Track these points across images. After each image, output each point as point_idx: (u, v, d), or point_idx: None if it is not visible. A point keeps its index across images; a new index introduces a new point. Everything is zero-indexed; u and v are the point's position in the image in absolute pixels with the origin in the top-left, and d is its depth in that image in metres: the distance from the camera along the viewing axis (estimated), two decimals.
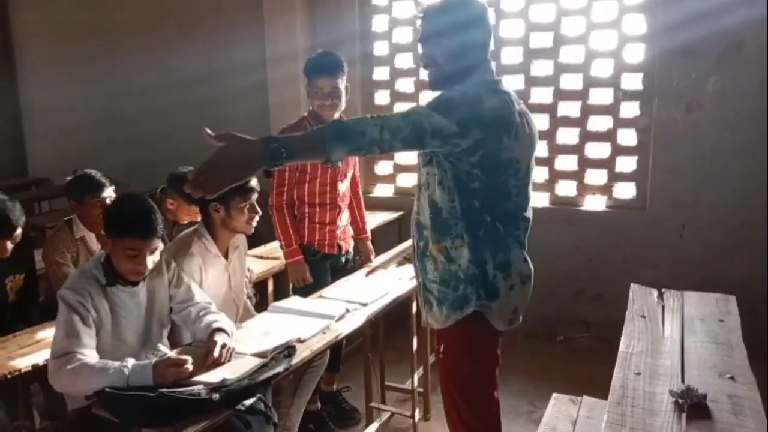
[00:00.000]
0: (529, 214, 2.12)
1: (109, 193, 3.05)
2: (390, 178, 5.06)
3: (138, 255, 2.20)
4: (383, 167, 5.08)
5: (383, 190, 5.06)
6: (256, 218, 2.71)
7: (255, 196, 2.66)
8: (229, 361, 2.15)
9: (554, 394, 2.72)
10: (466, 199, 1.97)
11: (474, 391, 2.15)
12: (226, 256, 2.75)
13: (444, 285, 2.06)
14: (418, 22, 2.12)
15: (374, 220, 4.21)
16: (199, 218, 3.16)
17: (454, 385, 2.17)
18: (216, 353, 2.13)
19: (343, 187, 3.31)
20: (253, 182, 2.60)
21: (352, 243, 3.47)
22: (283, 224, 3.17)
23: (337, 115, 3.15)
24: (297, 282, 3.20)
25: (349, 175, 3.37)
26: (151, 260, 2.25)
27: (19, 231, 2.78)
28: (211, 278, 2.68)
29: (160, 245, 2.29)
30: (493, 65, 2.09)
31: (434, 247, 2.06)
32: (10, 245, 2.79)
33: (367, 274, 3.19)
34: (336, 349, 3.06)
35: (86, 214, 3.02)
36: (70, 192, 3.07)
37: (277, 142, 1.68)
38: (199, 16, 5.45)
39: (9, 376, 2.36)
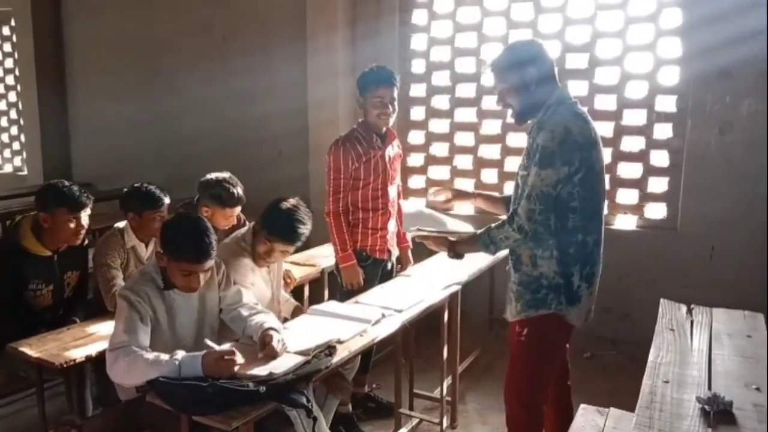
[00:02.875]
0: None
1: (165, 205, 3.17)
2: (423, 192, 5.17)
3: (192, 275, 2.36)
4: (416, 181, 5.20)
5: (416, 204, 5.16)
6: (270, 261, 2.92)
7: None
8: (281, 355, 2.29)
9: (582, 405, 2.78)
10: (561, 218, 2.27)
11: (541, 374, 2.47)
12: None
13: (522, 286, 2.40)
14: (490, 74, 2.46)
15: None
16: (233, 219, 3.36)
17: (526, 366, 2.47)
18: (275, 344, 2.28)
19: (393, 192, 3.48)
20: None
21: (397, 250, 3.61)
22: (339, 229, 3.34)
23: (390, 123, 3.37)
24: (349, 285, 3.35)
25: (397, 179, 3.57)
26: (204, 277, 2.41)
27: (88, 210, 3.03)
28: (256, 286, 2.86)
29: (213, 263, 2.44)
30: (566, 89, 2.39)
31: (525, 254, 2.36)
32: (85, 221, 3.01)
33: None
34: (367, 351, 3.18)
35: (144, 226, 3.12)
36: (129, 204, 3.15)
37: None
38: (243, 28, 5.65)
39: (65, 365, 2.52)
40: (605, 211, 2.49)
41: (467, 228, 2.83)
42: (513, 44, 2.53)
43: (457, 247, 2.53)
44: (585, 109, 2.40)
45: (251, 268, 2.83)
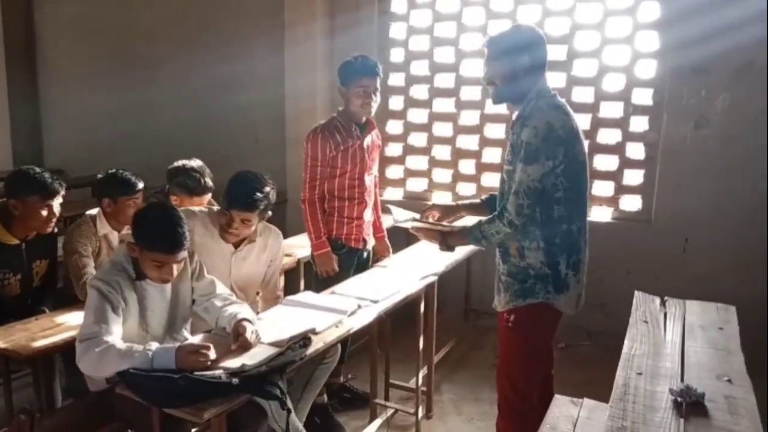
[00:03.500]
0: None
1: (140, 191, 3.13)
2: (400, 182, 5.16)
3: (165, 266, 2.31)
4: (394, 171, 5.18)
5: (393, 194, 5.15)
6: (233, 233, 2.83)
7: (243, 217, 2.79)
8: (255, 346, 2.26)
9: (555, 395, 2.79)
10: (546, 210, 2.32)
11: (530, 361, 2.51)
12: (237, 246, 2.89)
13: (511, 277, 2.44)
14: (485, 50, 2.45)
15: (384, 223, 4.29)
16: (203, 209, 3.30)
17: (516, 353, 2.51)
18: (248, 335, 2.25)
19: (369, 181, 3.47)
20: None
21: (372, 240, 3.59)
22: (313, 217, 3.32)
23: (372, 113, 3.36)
24: (324, 273, 3.33)
25: (374, 168, 3.55)
26: (178, 268, 2.36)
27: (60, 198, 2.94)
28: (209, 255, 2.78)
29: (186, 253, 2.40)
30: (546, 81, 2.40)
31: (513, 245, 2.41)
32: (57, 208, 2.94)
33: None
34: (342, 341, 3.16)
35: (119, 213, 3.07)
36: (104, 191, 3.10)
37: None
38: (220, 17, 5.57)
39: (32, 356, 2.46)
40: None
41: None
42: (516, 27, 2.58)
43: (449, 240, 2.57)
44: (564, 101, 2.43)
45: (195, 232, 2.76)
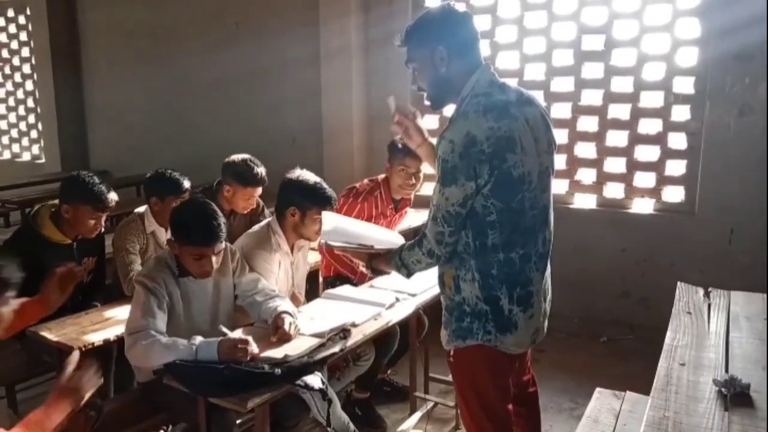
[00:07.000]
0: (551, 220, 2.07)
1: (187, 191, 3.20)
2: (433, 177, 5.15)
3: (203, 258, 2.37)
4: (430, 168, 5.17)
5: (430, 189, 5.14)
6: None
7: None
8: (294, 338, 2.31)
9: (598, 389, 2.77)
10: (480, 236, 1.93)
11: (486, 402, 2.09)
12: (290, 253, 2.93)
13: (448, 312, 2.06)
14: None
15: (421, 217, 4.30)
16: (253, 202, 3.39)
17: (464, 394, 2.16)
18: (286, 327, 2.30)
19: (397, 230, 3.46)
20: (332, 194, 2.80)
21: None
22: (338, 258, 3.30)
23: (412, 195, 3.41)
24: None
25: (402, 220, 3.61)
26: (217, 261, 2.42)
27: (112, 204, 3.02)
28: (281, 272, 2.85)
29: (224, 245, 2.46)
30: (491, 68, 2.02)
31: (447, 273, 2.03)
32: (103, 219, 3.03)
33: None
34: (400, 346, 3.20)
35: (165, 211, 3.10)
36: (152, 189, 3.19)
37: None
38: (255, 15, 5.65)
39: (83, 349, 2.55)
40: (552, 215, 2.08)
41: (396, 238, 2.42)
42: (426, 12, 2.10)
43: (374, 263, 2.25)
44: (512, 95, 1.97)
45: (278, 257, 2.82)
